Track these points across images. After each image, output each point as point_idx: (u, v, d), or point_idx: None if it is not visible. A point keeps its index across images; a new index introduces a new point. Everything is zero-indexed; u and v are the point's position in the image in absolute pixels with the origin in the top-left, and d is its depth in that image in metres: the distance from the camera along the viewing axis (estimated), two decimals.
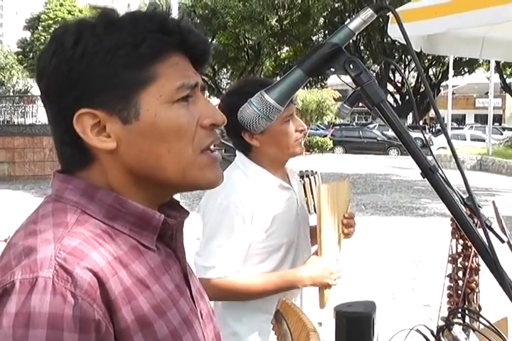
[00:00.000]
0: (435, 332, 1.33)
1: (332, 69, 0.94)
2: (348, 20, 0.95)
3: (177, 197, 1.08)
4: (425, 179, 0.90)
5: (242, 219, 1.92)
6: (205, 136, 0.88)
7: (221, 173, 0.90)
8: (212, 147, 0.90)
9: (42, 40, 41.90)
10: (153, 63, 0.85)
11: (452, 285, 2.11)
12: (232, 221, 1.91)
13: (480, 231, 0.92)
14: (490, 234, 0.98)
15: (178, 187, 0.91)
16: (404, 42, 0.90)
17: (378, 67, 1.02)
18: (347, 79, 1.20)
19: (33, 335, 0.71)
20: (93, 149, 0.86)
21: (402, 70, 33.19)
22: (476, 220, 0.99)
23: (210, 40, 0.93)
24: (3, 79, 55.09)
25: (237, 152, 2.07)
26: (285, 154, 2.04)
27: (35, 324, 0.71)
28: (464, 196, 1.21)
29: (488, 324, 1.30)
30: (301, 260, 2.07)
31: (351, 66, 0.92)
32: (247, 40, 34.61)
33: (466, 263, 2.06)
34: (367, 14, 0.92)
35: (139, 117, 0.84)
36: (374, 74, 0.94)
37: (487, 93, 30.06)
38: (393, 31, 3.66)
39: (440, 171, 0.92)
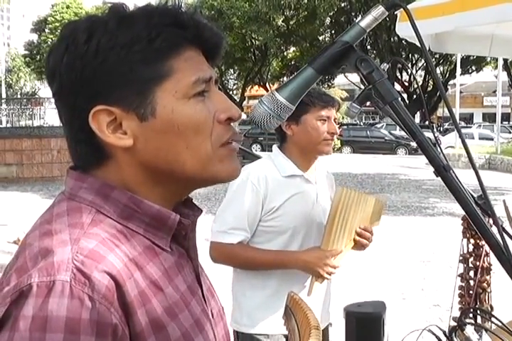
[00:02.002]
0: (447, 333, 1.32)
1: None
2: (359, 18, 0.94)
3: None
4: (438, 177, 0.89)
5: (255, 195, 2.14)
6: (223, 131, 0.86)
7: (239, 165, 0.89)
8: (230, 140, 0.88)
9: (49, 43, 42.16)
10: (168, 58, 0.83)
11: (464, 284, 2.10)
12: (247, 195, 2.14)
13: (493, 230, 0.91)
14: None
15: (196, 182, 0.89)
16: (412, 41, 0.90)
17: (388, 66, 1.01)
18: (354, 78, 1.19)
19: (50, 339, 0.70)
20: (109, 147, 0.84)
21: (409, 69, 33.13)
22: (488, 219, 0.98)
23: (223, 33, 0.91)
24: (10, 81, 55.33)
25: (273, 147, 2.32)
26: (313, 149, 2.22)
27: (52, 328, 0.71)
28: (475, 195, 1.20)
29: (500, 324, 1.29)
30: None
31: (363, 64, 0.91)
32: (253, 41, 34.64)
33: (478, 263, 2.04)
34: (378, 11, 0.91)
35: (155, 114, 0.82)
36: None
37: (495, 91, 29.91)
38: (402, 29, 3.65)
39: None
